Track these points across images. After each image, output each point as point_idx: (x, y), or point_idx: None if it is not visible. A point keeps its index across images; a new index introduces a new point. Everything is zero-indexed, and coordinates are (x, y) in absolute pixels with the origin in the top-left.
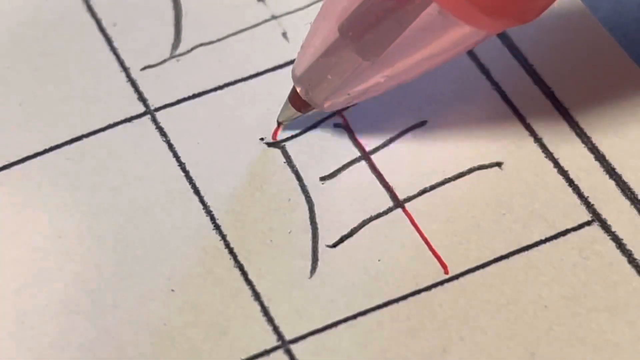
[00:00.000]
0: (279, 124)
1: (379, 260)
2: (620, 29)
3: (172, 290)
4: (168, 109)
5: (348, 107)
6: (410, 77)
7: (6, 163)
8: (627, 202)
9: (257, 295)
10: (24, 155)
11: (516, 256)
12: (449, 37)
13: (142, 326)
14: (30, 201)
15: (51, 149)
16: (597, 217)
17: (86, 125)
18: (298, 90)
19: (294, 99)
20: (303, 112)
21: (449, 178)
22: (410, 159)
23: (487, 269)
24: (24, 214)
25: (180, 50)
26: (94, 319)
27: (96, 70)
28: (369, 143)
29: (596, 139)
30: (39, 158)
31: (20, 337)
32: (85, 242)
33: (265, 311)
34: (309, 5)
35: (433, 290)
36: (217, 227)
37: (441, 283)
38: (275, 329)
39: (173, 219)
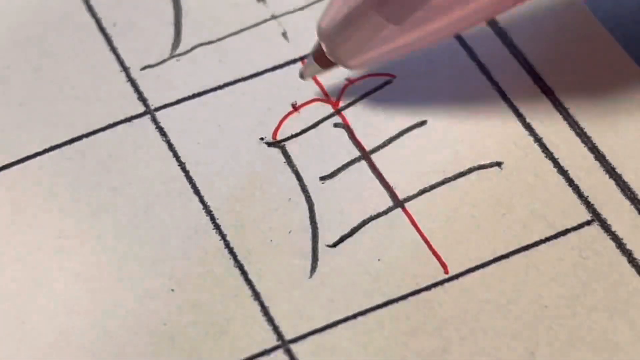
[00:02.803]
0: (302, 77)
1: (378, 260)
2: (620, 29)
3: (172, 290)
4: (168, 109)
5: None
6: (436, 40)
7: (6, 163)
8: (627, 202)
9: (257, 295)
10: (24, 155)
11: (516, 256)
12: (477, 2)
13: (142, 326)
14: (30, 201)
15: (51, 148)
16: (597, 217)
17: (86, 125)
18: (323, 46)
19: (318, 55)
20: (327, 68)
21: (449, 178)
22: (410, 159)
23: (487, 268)
24: (24, 214)
25: (180, 50)
26: (94, 319)
27: (96, 70)
28: (368, 143)
29: (596, 139)
30: (39, 158)
31: (20, 337)
32: (85, 242)
33: (265, 311)
34: (308, 5)
35: (433, 290)
36: (217, 227)
37: (441, 283)
38: (275, 329)
39: (173, 218)
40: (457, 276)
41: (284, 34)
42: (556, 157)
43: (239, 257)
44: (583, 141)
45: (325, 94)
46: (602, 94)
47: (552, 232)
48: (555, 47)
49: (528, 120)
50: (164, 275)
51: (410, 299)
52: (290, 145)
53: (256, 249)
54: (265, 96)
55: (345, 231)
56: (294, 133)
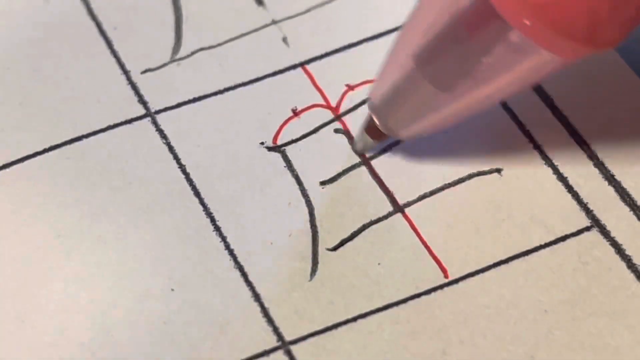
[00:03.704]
0: (357, 153)
1: (378, 264)
2: None
3: (172, 290)
4: (168, 112)
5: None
6: (487, 106)
7: (6, 162)
8: (626, 208)
9: (257, 296)
10: (24, 155)
11: (516, 261)
12: (528, 65)
13: (142, 326)
14: (30, 201)
15: (51, 148)
16: (596, 223)
17: (86, 127)
18: (374, 118)
19: (370, 127)
20: (379, 140)
21: (449, 184)
22: (410, 165)
23: (487, 273)
24: (24, 214)
25: (180, 54)
26: (94, 318)
27: (96, 72)
28: None
29: (595, 146)
30: (39, 158)
31: (20, 337)
32: (85, 242)
33: (265, 312)
34: (308, 10)
35: (433, 294)
36: (217, 229)
37: (441, 287)
38: (275, 330)
39: (173, 219)
40: (457, 281)
41: (284, 39)
42: (556, 164)
43: (239, 259)
44: (582, 149)
45: (326, 99)
46: (601, 103)
47: (552, 238)
48: None
49: (527, 127)
50: (164, 275)
51: (410, 302)
52: (290, 150)
53: (256, 251)
54: (266, 101)
55: (346, 235)
56: (294, 138)
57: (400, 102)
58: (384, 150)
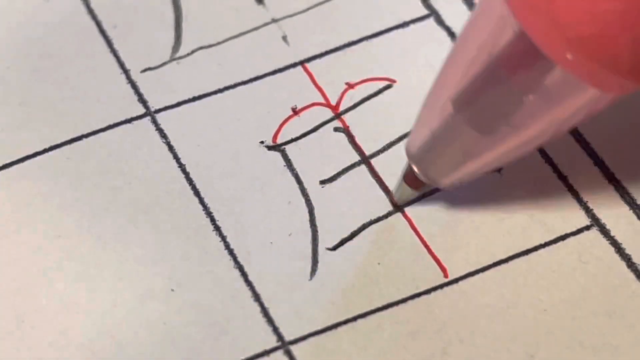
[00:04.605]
0: (396, 205)
1: (378, 264)
2: None
3: (172, 290)
4: (168, 111)
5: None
6: (529, 149)
7: (6, 162)
8: (626, 207)
9: (257, 296)
10: (24, 155)
11: (515, 260)
12: (573, 104)
13: (142, 326)
14: (30, 201)
15: (51, 148)
16: (596, 222)
17: (86, 126)
18: (414, 167)
19: (409, 177)
20: (418, 190)
21: None
22: None
23: (487, 272)
24: (24, 214)
25: (180, 53)
26: (94, 318)
27: (96, 71)
28: (368, 147)
29: (595, 144)
30: (39, 158)
31: (20, 337)
32: (85, 242)
33: (265, 312)
34: (309, 9)
35: (433, 293)
36: (217, 228)
37: (441, 286)
38: (275, 330)
39: (173, 219)
40: (456, 280)
41: (284, 38)
42: (555, 162)
43: (239, 259)
44: (582, 147)
45: (325, 98)
46: None
47: (552, 237)
48: None
49: None
50: (164, 275)
51: (410, 302)
52: (290, 149)
53: (256, 250)
54: (265, 100)
55: (345, 235)
56: (294, 137)
57: (441, 149)
58: (383, 149)
